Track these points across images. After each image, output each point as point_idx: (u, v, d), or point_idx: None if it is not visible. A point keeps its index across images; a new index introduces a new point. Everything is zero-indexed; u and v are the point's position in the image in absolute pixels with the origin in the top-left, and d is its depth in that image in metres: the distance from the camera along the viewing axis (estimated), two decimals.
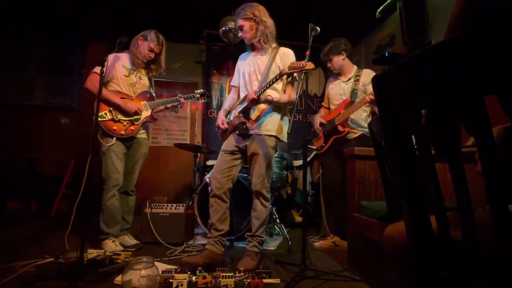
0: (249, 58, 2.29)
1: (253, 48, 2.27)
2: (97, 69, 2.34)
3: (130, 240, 2.50)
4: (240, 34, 2.22)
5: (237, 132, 2.22)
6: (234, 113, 2.26)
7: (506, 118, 0.69)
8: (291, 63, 1.93)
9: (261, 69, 2.19)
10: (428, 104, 0.55)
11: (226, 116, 2.32)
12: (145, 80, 2.63)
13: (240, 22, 2.17)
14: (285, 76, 2.07)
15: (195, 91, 2.74)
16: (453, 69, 0.46)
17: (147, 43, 2.52)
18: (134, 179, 2.60)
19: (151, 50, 2.53)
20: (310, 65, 1.89)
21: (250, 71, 2.24)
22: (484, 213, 0.53)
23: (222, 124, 2.25)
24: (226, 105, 2.37)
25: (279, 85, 2.20)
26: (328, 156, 2.88)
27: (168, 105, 2.68)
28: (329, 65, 2.88)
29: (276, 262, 2.21)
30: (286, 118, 2.29)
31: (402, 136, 0.57)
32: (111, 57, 2.46)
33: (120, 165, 2.43)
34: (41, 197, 4.15)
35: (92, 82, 2.35)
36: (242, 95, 2.27)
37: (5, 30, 4.28)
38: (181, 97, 2.63)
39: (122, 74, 2.50)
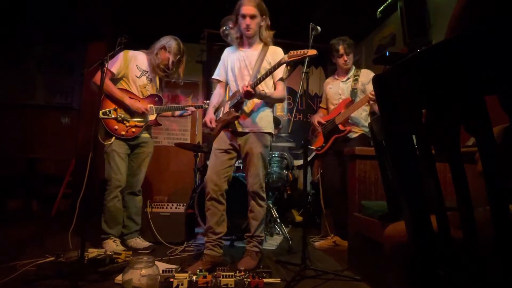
0: (238, 53, 2.21)
1: (241, 43, 2.21)
2: (111, 67, 2.35)
3: (143, 242, 2.49)
4: (248, 22, 2.07)
5: (230, 129, 2.14)
6: (224, 109, 2.19)
7: (506, 118, 0.69)
8: (291, 52, 1.87)
9: (252, 65, 2.15)
10: (429, 103, 0.55)
11: (214, 113, 2.23)
12: (156, 83, 2.63)
13: (253, 11, 2.05)
14: (275, 74, 2.05)
15: (204, 101, 2.71)
16: (454, 68, 0.46)
17: (169, 55, 2.50)
18: (140, 179, 2.58)
19: (172, 62, 2.52)
20: (312, 51, 1.83)
21: (240, 66, 2.17)
22: (485, 213, 0.53)
23: (211, 122, 2.14)
24: (214, 101, 2.27)
25: (270, 82, 2.17)
26: (328, 155, 2.88)
27: (176, 114, 2.70)
28: (346, 58, 2.80)
29: (277, 262, 2.21)
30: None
31: (402, 135, 0.57)
32: (126, 55, 2.46)
33: (123, 166, 2.42)
34: (42, 196, 4.15)
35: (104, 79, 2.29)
36: (232, 90, 2.21)
37: (5, 30, 4.28)
38: (191, 107, 2.62)
39: (134, 75, 2.49)
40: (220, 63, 2.32)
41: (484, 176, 0.45)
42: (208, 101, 2.59)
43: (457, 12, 0.62)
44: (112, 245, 2.32)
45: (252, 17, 2.07)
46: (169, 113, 2.70)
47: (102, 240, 2.36)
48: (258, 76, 2.03)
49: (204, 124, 2.20)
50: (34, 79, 4.50)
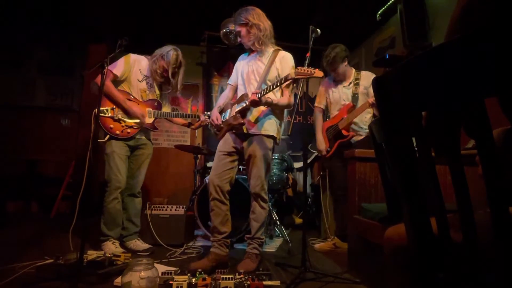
0: (248, 59, 2.29)
1: (251, 50, 2.28)
2: (114, 69, 2.39)
3: (142, 244, 2.49)
4: (239, 40, 2.25)
5: (233, 131, 2.21)
6: (231, 112, 2.24)
7: (506, 120, 0.69)
8: (298, 68, 1.89)
9: (259, 70, 2.19)
10: (428, 106, 0.55)
11: (220, 113, 2.30)
12: (155, 89, 2.64)
13: (237, 28, 2.20)
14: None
15: (205, 112, 2.72)
16: (453, 71, 0.46)
17: (166, 65, 2.51)
18: (140, 181, 2.59)
19: (166, 70, 2.53)
20: (318, 73, 1.85)
21: (248, 71, 2.23)
22: (485, 215, 0.53)
23: (217, 119, 2.24)
24: (220, 102, 2.37)
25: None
26: (333, 159, 2.86)
27: (175, 120, 2.73)
28: (333, 74, 2.86)
29: (276, 264, 2.21)
30: (281, 122, 2.29)
31: (402, 138, 0.57)
32: (129, 58, 2.49)
33: (122, 167, 2.43)
34: (42, 198, 4.15)
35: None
36: (239, 94, 2.27)
37: (6, 32, 4.29)
38: (199, 119, 2.65)
39: (136, 79, 2.52)
40: (234, 69, 2.42)
41: (484, 179, 0.45)
42: (207, 113, 2.65)
43: (456, 14, 0.63)
44: (111, 247, 2.31)
45: (239, 33, 2.20)
46: (178, 120, 2.72)
47: (101, 242, 2.36)
48: (267, 82, 2.10)
49: (211, 123, 2.28)
50: (35, 81, 4.51)
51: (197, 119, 2.69)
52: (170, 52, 2.52)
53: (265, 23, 2.16)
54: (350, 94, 2.81)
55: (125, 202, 2.52)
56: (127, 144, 2.48)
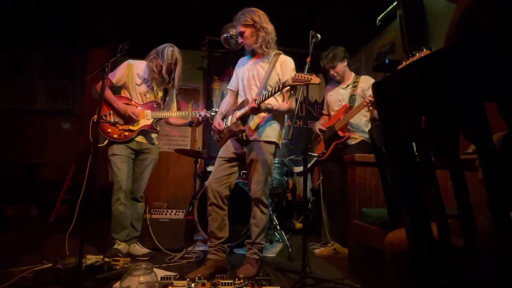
0: (249, 64, 2.26)
1: (253, 53, 2.24)
2: (111, 76, 2.43)
3: (141, 249, 2.48)
4: (240, 40, 2.19)
5: (235, 137, 2.19)
6: (232, 118, 2.23)
7: (505, 125, 0.69)
8: (296, 75, 1.87)
9: (260, 76, 2.17)
10: (428, 110, 0.55)
11: (222, 120, 2.28)
12: (158, 91, 2.65)
13: (241, 28, 2.13)
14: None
15: (212, 109, 2.71)
16: (453, 76, 0.46)
17: (162, 62, 2.52)
18: (143, 185, 2.59)
19: (165, 70, 2.53)
20: (315, 80, 1.84)
21: (249, 76, 2.21)
22: (485, 221, 0.53)
23: (219, 125, 2.20)
24: (222, 108, 2.34)
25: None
26: (329, 162, 2.88)
27: (176, 122, 2.74)
28: (332, 72, 2.86)
29: (276, 269, 2.19)
30: (283, 127, 2.28)
31: (402, 142, 0.57)
32: (130, 65, 2.54)
33: (124, 168, 2.44)
34: (41, 201, 4.14)
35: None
36: (239, 100, 2.25)
37: (8, 36, 4.32)
38: (199, 113, 2.62)
39: (135, 83, 2.55)
40: (234, 73, 2.37)
41: (485, 183, 0.45)
42: (214, 109, 2.63)
43: (455, 20, 0.63)
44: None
45: (242, 34, 2.15)
46: (167, 119, 2.73)
47: (112, 245, 2.37)
48: (267, 88, 2.08)
49: (213, 129, 2.25)
50: (36, 85, 4.53)
51: (198, 116, 2.62)
52: (165, 49, 2.53)
53: (270, 26, 2.15)
54: (347, 96, 2.82)
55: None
56: (129, 147, 2.49)
